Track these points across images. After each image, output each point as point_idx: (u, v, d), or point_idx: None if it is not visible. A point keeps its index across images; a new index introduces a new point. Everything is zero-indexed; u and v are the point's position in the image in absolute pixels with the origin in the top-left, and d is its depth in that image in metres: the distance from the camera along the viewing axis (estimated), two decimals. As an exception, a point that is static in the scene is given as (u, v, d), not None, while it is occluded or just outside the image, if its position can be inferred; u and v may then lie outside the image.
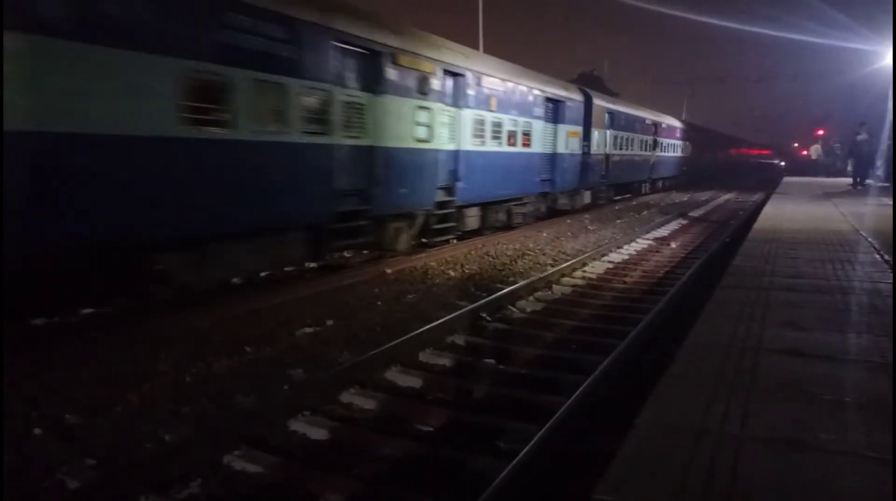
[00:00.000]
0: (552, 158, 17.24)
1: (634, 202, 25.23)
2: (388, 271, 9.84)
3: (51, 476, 3.78)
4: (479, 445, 4.32)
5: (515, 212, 15.70)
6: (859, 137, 20.96)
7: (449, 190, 12.23)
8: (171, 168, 6.65)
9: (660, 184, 32.56)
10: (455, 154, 12.30)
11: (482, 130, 13.25)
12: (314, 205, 8.67)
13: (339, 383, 5.21)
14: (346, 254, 10.00)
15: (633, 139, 25.59)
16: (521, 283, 8.95)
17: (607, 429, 4.32)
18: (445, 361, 6.09)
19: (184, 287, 7.28)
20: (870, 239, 8.99)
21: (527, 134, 15.45)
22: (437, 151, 11.50)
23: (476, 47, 21.58)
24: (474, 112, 12.86)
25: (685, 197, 29.25)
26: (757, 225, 11.18)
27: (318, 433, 4.48)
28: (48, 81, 5.49)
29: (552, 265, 10.76)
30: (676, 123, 35.38)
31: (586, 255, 11.62)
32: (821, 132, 45.46)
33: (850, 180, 22.64)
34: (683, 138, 36.34)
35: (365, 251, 10.31)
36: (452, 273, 10.04)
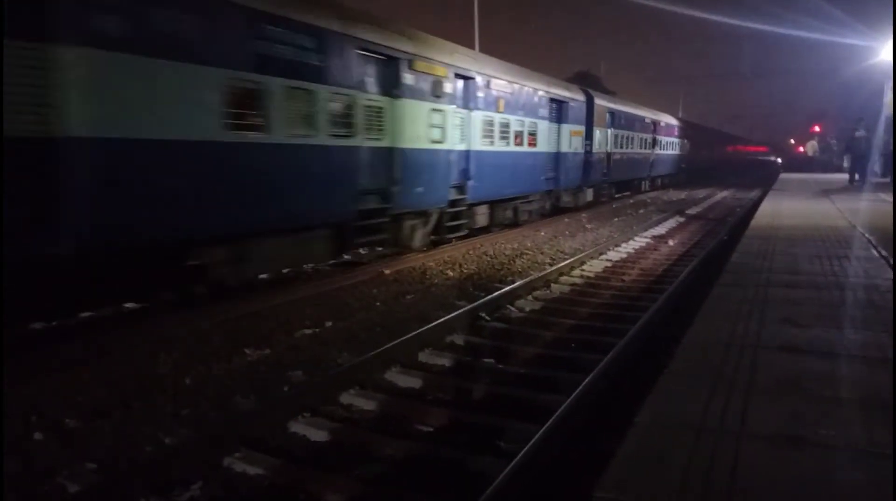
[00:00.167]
0: (556, 157, 17.75)
1: (632, 201, 25.26)
2: (387, 271, 9.84)
3: (51, 480, 3.78)
4: (479, 445, 4.33)
5: (522, 209, 16.12)
6: (857, 134, 21.00)
7: (461, 189, 12.69)
8: (215, 170, 7.12)
9: (659, 181, 32.90)
10: (466, 154, 12.76)
11: (491, 131, 13.72)
12: (340, 203, 9.12)
13: (339, 384, 5.21)
14: (361, 251, 10.43)
15: (633, 138, 26.01)
16: (520, 282, 8.96)
17: (607, 427, 4.33)
18: (445, 361, 6.09)
19: (222, 282, 7.73)
20: (867, 235, 9.01)
21: (532, 134, 15.93)
22: (449, 151, 11.94)
23: (471, 47, 21.59)
24: (484, 114, 13.34)
25: (682, 195, 29.28)
26: (754, 222, 11.20)
27: (318, 435, 4.48)
28: (110, 91, 5.91)
29: (550, 264, 10.77)
30: (674, 122, 35.58)
31: (584, 254, 11.63)
32: (817, 129, 45.57)
33: (846, 177, 22.68)
34: (681, 136, 36.53)
35: (379, 248, 10.71)
36: (451, 273, 10.04)
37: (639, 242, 14.12)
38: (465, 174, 12.74)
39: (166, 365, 5.61)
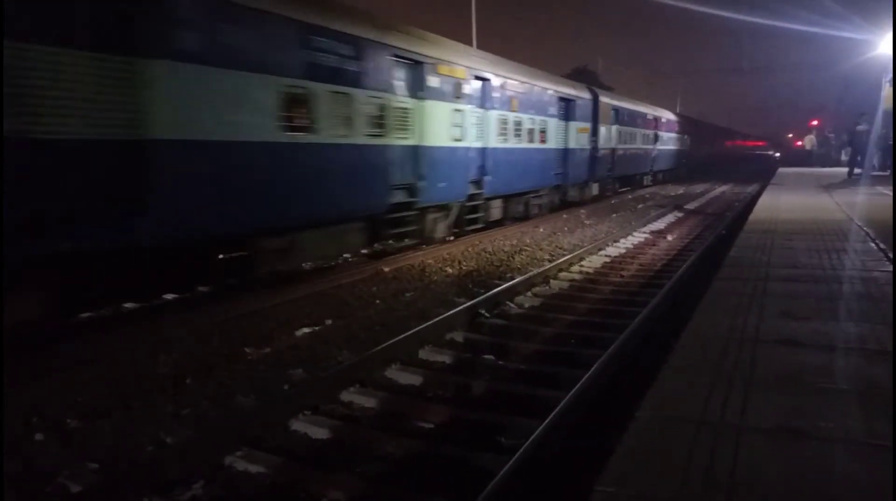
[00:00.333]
0: (564, 153, 18.45)
1: (630, 196, 25.27)
2: (386, 269, 9.84)
3: (53, 480, 3.79)
4: (479, 441, 4.33)
5: (532, 203, 16.82)
6: (859, 127, 21.00)
7: (478, 184, 13.39)
8: (272, 168, 7.84)
9: (660, 176, 33.27)
10: (483, 151, 13.48)
11: (505, 129, 14.45)
12: (373, 198, 9.95)
13: (340, 382, 5.22)
14: (390, 243, 11.11)
15: (636, 134, 26.67)
16: (519, 279, 8.96)
17: (608, 422, 4.33)
18: (445, 358, 6.10)
19: (272, 271, 8.51)
20: (865, 228, 9.03)
21: (543, 131, 16.65)
22: (468, 148, 12.70)
23: (469, 43, 21.57)
24: (499, 113, 14.05)
25: (681, 189, 29.30)
26: (753, 216, 11.21)
27: (319, 433, 4.48)
28: (187, 98, 6.63)
29: (549, 261, 10.78)
30: (674, 118, 35.80)
31: (583, 250, 11.64)
32: (815, 123, 45.56)
33: (844, 170, 22.69)
34: (681, 132, 36.75)
35: (405, 240, 11.35)
36: (450, 270, 10.05)
37: (637, 237, 14.13)
38: (481, 170, 13.45)
39: (167, 365, 5.62)
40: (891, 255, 6.89)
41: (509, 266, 10.45)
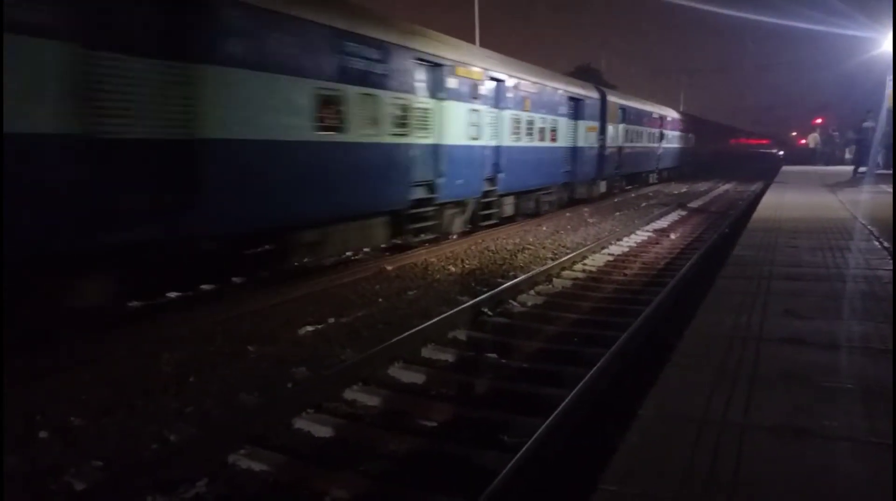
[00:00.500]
0: (574, 152, 18.89)
1: (633, 194, 25.24)
2: (389, 267, 9.85)
3: (58, 478, 3.80)
4: (483, 440, 4.34)
5: (543, 200, 17.31)
6: (865, 124, 20.96)
7: (492, 181, 13.89)
8: (306, 166, 8.38)
9: (665, 174, 33.46)
10: (497, 150, 13.94)
11: (518, 128, 14.96)
12: (397, 194, 10.53)
13: (343, 380, 5.22)
14: (411, 237, 11.56)
15: (642, 133, 27.10)
16: (522, 277, 8.96)
17: (611, 421, 4.33)
18: (448, 356, 6.10)
19: (302, 263, 9.22)
20: (869, 227, 9.00)
21: (553, 130, 17.20)
22: (483, 147, 13.27)
23: (471, 40, 21.56)
24: (512, 112, 14.56)
25: (684, 188, 29.24)
26: (756, 215, 11.19)
27: (322, 431, 4.49)
28: (233, 100, 7.14)
29: (552, 259, 10.77)
30: (679, 116, 35.93)
31: (586, 248, 11.63)
32: (819, 121, 45.43)
33: (849, 168, 22.63)
34: (685, 130, 36.87)
35: (422, 235, 11.83)
36: (453, 269, 10.05)
37: (641, 235, 14.12)
38: (496, 168, 13.91)
39: (170, 364, 5.63)
40: (893, 252, 6.87)
41: (512, 265, 10.44)
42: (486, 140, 13.33)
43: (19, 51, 5.15)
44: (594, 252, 11.66)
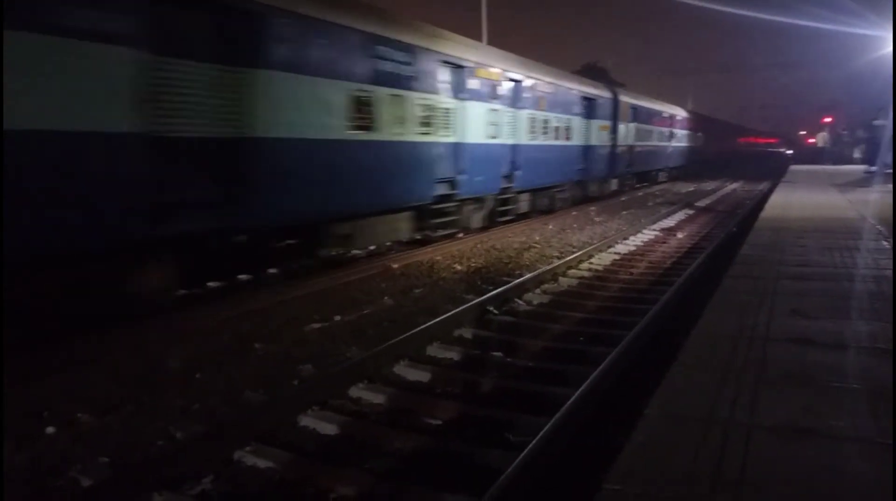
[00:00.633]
0: (587, 150, 19.26)
1: (640, 193, 25.17)
2: (395, 265, 9.86)
3: (64, 474, 3.82)
4: (488, 438, 4.34)
5: (557, 197, 17.69)
6: (875, 122, 20.86)
7: (509, 178, 14.24)
8: (341, 163, 8.86)
9: (674, 172, 33.61)
10: (514, 148, 14.32)
11: (534, 127, 15.36)
12: (421, 190, 11.01)
13: (348, 377, 5.23)
14: (429, 233, 12.02)
15: (652, 131, 27.48)
16: (528, 276, 8.94)
17: (616, 420, 4.33)
18: (453, 354, 6.10)
19: (331, 256, 9.64)
20: (878, 226, 8.95)
21: (568, 129, 17.62)
22: (502, 145, 13.66)
23: (478, 38, 21.54)
24: (528, 112, 14.95)
25: (691, 187, 29.14)
26: (764, 214, 11.15)
27: (327, 428, 4.50)
28: (277, 100, 7.62)
29: (558, 258, 10.75)
30: (688, 115, 35.95)
31: (592, 247, 11.61)
32: (828, 120, 45.17)
33: (858, 167, 22.49)
34: (694, 129, 36.92)
35: (441, 231, 12.17)
36: (459, 267, 10.05)
37: (647, 235, 14.07)
38: (513, 165, 14.27)
39: (176, 361, 5.65)
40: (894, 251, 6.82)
41: (518, 263, 10.43)
42: (504, 139, 13.69)
43: (99, 57, 5.69)
44: (600, 251, 11.64)
